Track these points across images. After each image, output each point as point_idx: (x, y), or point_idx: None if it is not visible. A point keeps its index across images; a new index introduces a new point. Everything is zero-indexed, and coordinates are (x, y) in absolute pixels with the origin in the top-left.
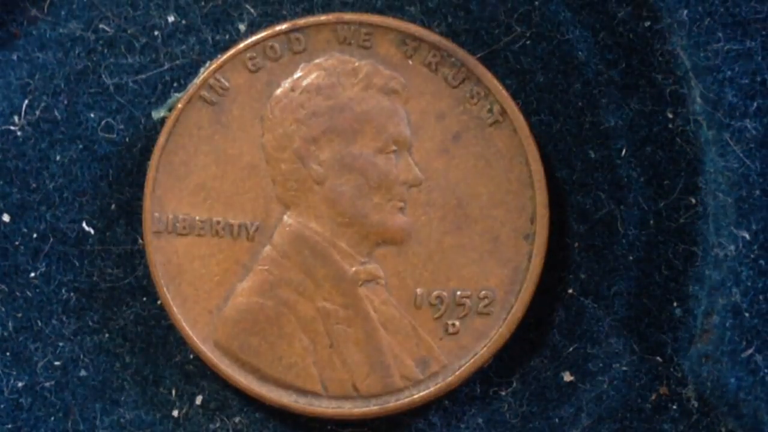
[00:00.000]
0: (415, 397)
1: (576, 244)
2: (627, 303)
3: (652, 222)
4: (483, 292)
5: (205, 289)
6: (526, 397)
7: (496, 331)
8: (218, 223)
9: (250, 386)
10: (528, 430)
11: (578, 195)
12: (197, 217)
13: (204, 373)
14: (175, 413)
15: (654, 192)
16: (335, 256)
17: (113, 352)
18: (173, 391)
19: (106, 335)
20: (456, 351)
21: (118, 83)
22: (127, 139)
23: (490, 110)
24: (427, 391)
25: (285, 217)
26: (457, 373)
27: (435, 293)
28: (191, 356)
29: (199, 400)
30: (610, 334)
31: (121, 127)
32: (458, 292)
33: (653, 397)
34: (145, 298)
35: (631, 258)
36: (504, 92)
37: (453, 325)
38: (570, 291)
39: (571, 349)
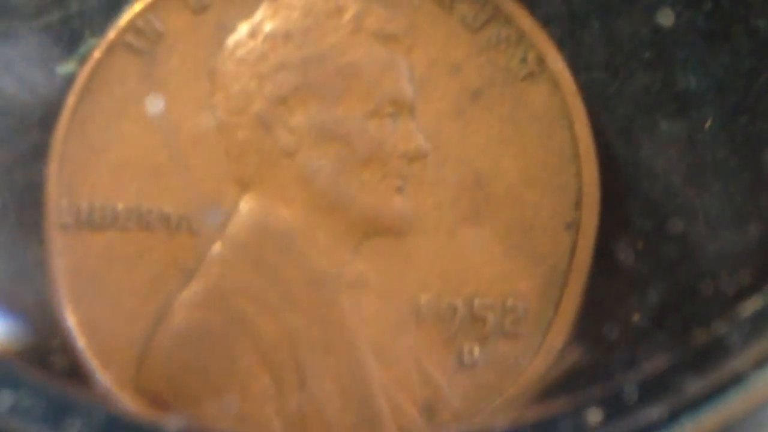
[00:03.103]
0: None
1: (640, 245)
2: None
3: (752, 220)
4: (510, 301)
5: (129, 305)
6: None
7: (530, 361)
8: (150, 212)
9: None
10: None
11: (643, 179)
12: (121, 205)
13: None
14: None
15: (751, 178)
16: (310, 253)
17: None
18: None
19: None
20: (473, 391)
21: (6, 30)
22: (19, 106)
23: (524, 60)
24: None
25: (242, 202)
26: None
27: (445, 302)
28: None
29: None
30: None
31: (12, 89)
32: (476, 301)
33: None
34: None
35: (725, 278)
36: (543, 36)
37: (470, 352)
38: (635, 317)
39: (642, 408)
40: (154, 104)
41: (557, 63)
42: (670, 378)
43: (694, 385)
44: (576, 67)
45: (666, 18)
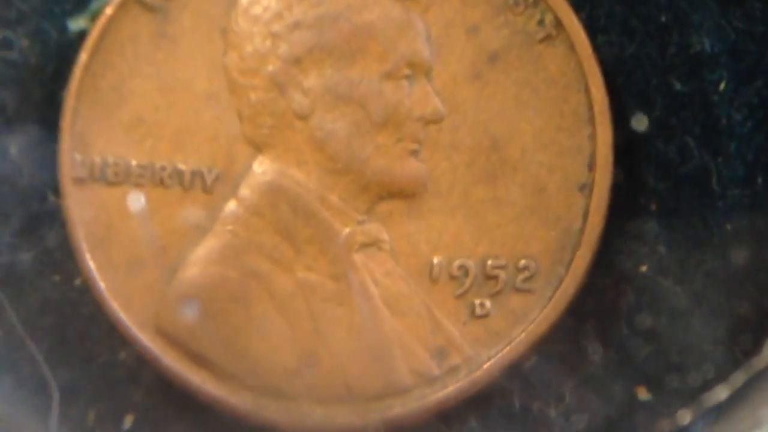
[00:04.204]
0: (430, 399)
1: (653, 206)
2: (725, 290)
3: (759, 180)
4: (523, 262)
5: (145, 256)
6: (585, 421)
7: (539, 312)
8: (163, 169)
9: (205, 387)
10: None
11: (657, 140)
12: (134, 161)
13: (138, 379)
14: None
15: (765, 140)
16: (323, 213)
17: (7, 358)
18: (90, 412)
19: None
20: (484, 338)
21: None
22: (33, 59)
23: (541, 22)
24: (444, 391)
25: (255, 164)
26: (485, 366)
27: (457, 263)
28: (121, 354)
29: (128, 421)
30: (702, 335)
31: (25, 43)
32: (489, 262)
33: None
34: (57, 277)
35: (729, 227)
36: None
37: (482, 305)
38: (643, 268)
39: (645, 350)
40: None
41: (574, 25)
42: None
43: None
44: (592, 29)
45: None
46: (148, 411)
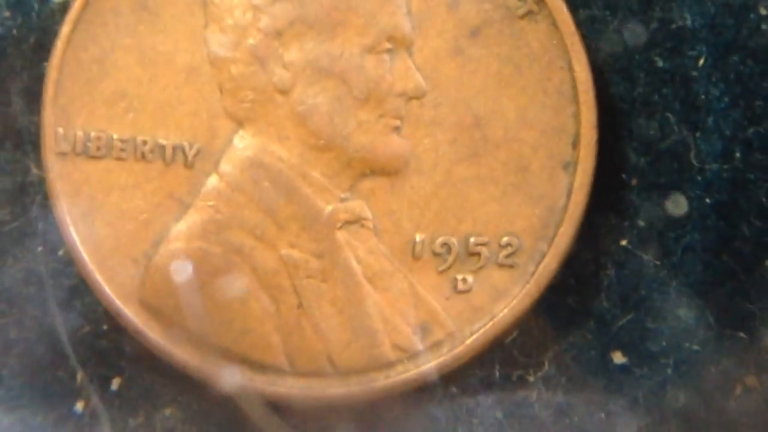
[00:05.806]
0: (412, 373)
1: (633, 181)
2: (702, 261)
3: (738, 154)
4: (505, 239)
5: (128, 230)
6: (562, 384)
7: (522, 288)
8: (145, 143)
9: (188, 360)
10: (564, 430)
11: (639, 116)
12: (116, 135)
13: (123, 349)
14: (80, 406)
15: (741, 115)
16: (306, 190)
17: None
18: (78, 376)
19: None
20: (467, 314)
21: None
22: (14, 31)
23: None
24: (427, 366)
25: (236, 138)
26: (467, 341)
27: (440, 240)
28: (104, 327)
29: (115, 384)
30: (677, 303)
31: (7, 14)
32: (472, 239)
33: (736, 390)
34: (41, 248)
35: (708, 201)
36: None
37: (464, 280)
38: (623, 242)
39: (624, 320)
40: (148, 37)
41: (556, 1)
42: None
43: None
44: (574, 4)
45: None
46: (134, 377)
